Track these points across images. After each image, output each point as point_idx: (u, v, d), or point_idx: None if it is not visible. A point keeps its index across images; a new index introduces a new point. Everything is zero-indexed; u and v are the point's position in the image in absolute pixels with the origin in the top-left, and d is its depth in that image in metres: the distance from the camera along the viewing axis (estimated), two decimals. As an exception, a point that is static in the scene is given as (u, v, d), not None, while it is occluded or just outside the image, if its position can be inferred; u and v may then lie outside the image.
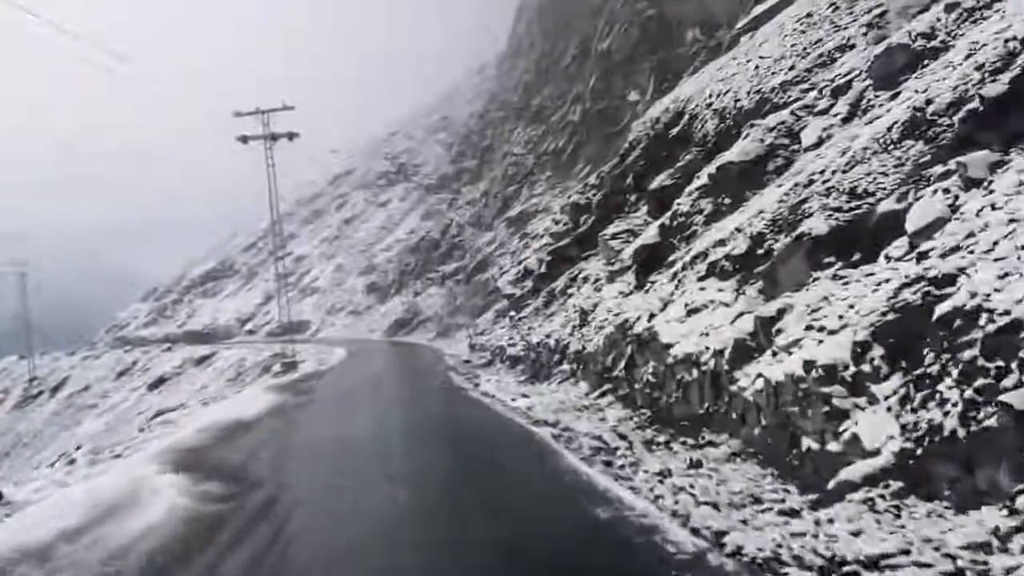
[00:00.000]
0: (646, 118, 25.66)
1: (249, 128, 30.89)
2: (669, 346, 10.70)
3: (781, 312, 8.72)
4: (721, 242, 12.08)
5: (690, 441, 9.39)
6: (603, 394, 12.92)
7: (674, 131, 21.40)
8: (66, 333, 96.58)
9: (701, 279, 11.78)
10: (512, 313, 26.39)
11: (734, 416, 8.86)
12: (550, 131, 54.81)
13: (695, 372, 9.83)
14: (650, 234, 16.35)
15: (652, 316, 12.05)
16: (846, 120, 12.08)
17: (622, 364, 12.72)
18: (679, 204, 15.51)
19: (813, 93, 14.09)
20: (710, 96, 20.25)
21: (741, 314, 9.66)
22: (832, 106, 12.98)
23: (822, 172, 10.53)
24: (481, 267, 49.68)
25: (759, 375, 8.23)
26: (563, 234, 25.96)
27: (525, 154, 57.29)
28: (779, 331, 8.49)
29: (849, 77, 12.98)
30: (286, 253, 70.92)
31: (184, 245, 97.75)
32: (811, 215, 9.61)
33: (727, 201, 14.79)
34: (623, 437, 10.20)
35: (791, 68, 15.86)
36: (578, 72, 52.40)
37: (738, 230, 11.83)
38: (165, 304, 73.08)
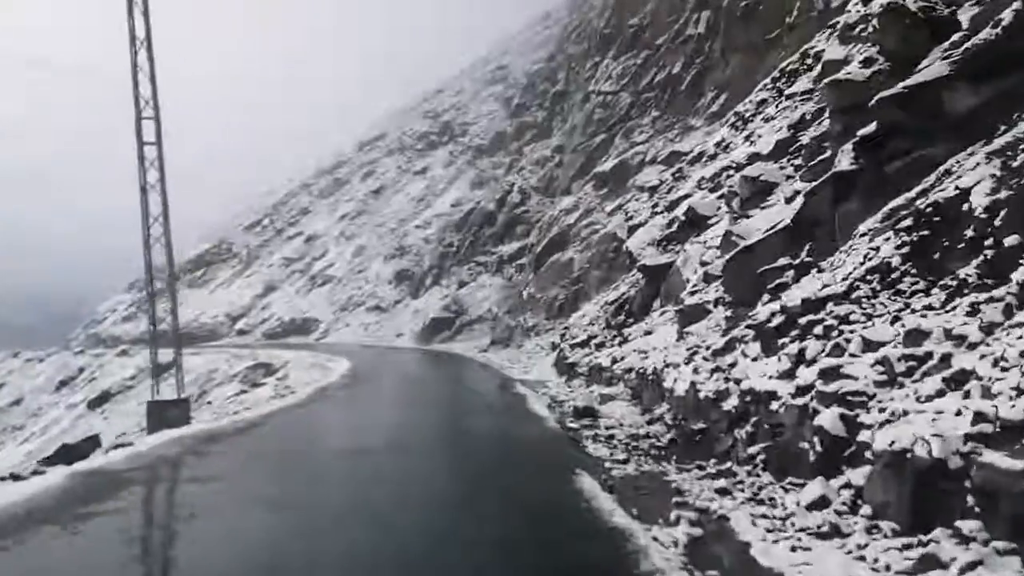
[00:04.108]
0: None
1: None
2: None
3: None
4: None
5: None
6: None
7: None
8: (60, 329, 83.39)
9: None
10: (742, 304, 9.99)
11: None
12: (655, 57, 39.02)
13: None
14: None
15: None
16: None
17: None
18: None
19: None
20: None
21: None
22: None
23: None
24: (558, 244, 34.44)
25: None
26: (880, 80, 9.21)
27: (617, 91, 41.43)
28: None
29: None
30: (296, 233, 55.56)
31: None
32: None
33: None
34: None
35: None
36: (700, -33, 36.45)
37: None
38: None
